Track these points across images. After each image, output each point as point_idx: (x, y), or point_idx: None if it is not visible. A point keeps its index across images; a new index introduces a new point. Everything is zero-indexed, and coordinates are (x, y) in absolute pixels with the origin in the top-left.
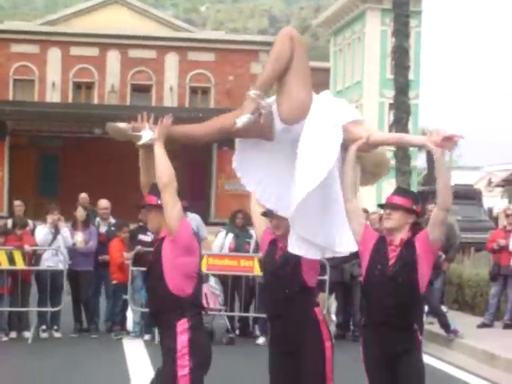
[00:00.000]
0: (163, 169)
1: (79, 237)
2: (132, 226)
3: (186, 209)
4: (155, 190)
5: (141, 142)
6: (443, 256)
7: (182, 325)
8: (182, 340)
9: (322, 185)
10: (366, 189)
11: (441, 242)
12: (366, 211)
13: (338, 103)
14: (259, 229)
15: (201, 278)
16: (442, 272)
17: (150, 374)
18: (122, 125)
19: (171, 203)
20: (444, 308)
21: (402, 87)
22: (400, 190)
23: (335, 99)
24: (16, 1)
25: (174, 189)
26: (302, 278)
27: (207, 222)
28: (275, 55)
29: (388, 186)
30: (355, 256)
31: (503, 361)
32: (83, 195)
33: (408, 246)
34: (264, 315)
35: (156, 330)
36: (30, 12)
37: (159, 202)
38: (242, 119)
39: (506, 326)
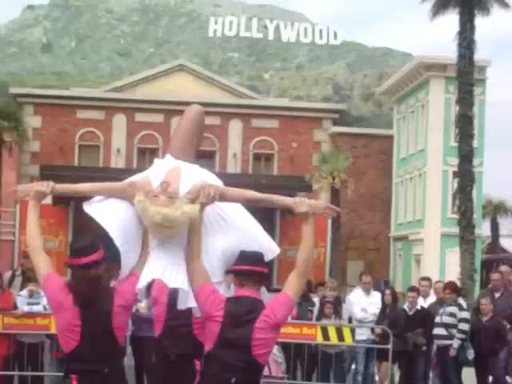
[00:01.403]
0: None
1: (143, 303)
2: None
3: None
4: None
5: None
6: (508, 326)
7: None
8: None
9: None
10: (430, 257)
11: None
12: (428, 279)
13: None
14: None
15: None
16: (506, 342)
17: None
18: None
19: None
20: (509, 379)
21: (466, 155)
22: None
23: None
24: (83, 68)
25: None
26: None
27: (270, 289)
28: None
29: (452, 254)
30: (419, 325)
31: None
32: None
33: None
34: None
35: None
36: (96, 79)
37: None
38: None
39: None
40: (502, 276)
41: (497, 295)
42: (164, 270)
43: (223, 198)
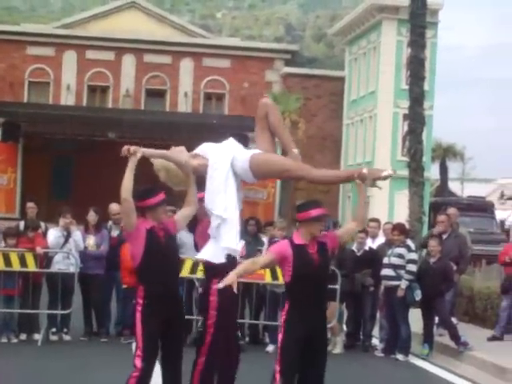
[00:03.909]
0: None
1: (91, 240)
2: None
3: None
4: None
5: None
6: (455, 267)
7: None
8: None
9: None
10: (379, 199)
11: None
12: (377, 220)
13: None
14: None
15: None
16: (453, 284)
17: (158, 377)
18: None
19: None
20: (454, 320)
21: (416, 98)
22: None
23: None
24: (33, 3)
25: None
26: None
27: None
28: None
29: (401, 196)
30: (367, 266)
31: None
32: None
33: None
34: (275, 323)
35: None
36: (47, 15)
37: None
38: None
39: None
40: (449, 218)
41: (444, 237)
42: None
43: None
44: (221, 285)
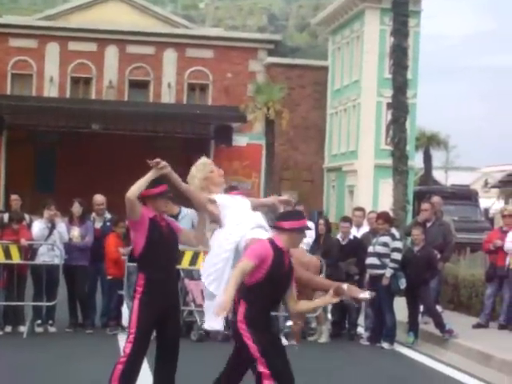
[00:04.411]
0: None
1: (76, 232)
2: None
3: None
4: None
5: None
6: (439, 255)
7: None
8: None
9: None
10: (364, 188)
11: None
12: (361, 209)
13: None
14: None
15: None
16: (437, 272)
17: (145, 369)
18: None
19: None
20: (439, 308)
21: (400, 86)
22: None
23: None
24: None
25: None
26: None
27: None
28: None
29: (385, 185)
30: (352, 255)
31: (498, 361)
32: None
33: None
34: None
35: None
36: (29, 7)
37: None
38: None
39: (501, 327)
40: (433, 206)
41: (428, 225)
42: None
43: None
44: (219, 312)
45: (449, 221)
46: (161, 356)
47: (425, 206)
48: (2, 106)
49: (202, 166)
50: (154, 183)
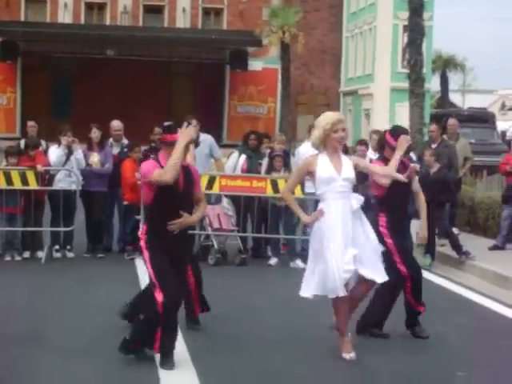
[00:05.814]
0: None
1: (95, 158)
2: (144, 148)
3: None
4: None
5: None
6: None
7: None
8: None
9: None
10: (380, 112)
11: None
12: (379, 132)
13: None
14: None
15: None
16: (452, 195)
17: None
18: None
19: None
20: (456, 230)
21: (416, 8)
22: None
23: None
24: None
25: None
26: None
27: (220, 144)
28: None
29: (401, 108)
30: (368, 177)
31: None
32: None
33: None
34: (277, 236)
35: None
36: None
37: None
38: None
39: None
40: (439, 128)
41: (433, 146)
42: None
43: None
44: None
45: (464, 143)
46: None
47: (432, 127)
48: (16, 32)
49: (331, 123)
50: (170, 129)
